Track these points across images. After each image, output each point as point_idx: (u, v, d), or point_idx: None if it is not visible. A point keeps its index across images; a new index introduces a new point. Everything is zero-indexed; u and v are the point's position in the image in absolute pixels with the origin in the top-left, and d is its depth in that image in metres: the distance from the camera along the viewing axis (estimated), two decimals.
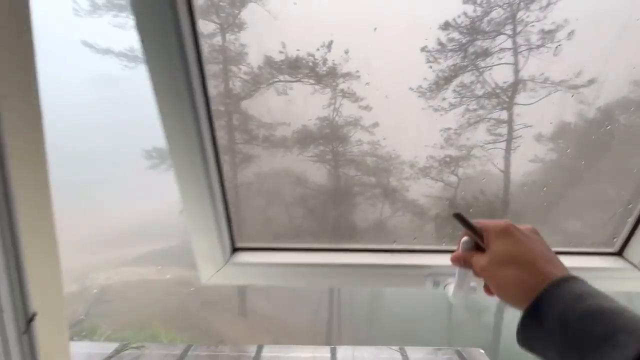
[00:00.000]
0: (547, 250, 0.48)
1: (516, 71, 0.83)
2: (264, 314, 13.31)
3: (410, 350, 1.27)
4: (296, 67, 0.91)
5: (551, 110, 0.88)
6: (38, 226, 0.52)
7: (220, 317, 11.69)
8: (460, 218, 0.53)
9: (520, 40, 0.77)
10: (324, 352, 1.26)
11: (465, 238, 0.55)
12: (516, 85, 0.86)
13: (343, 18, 0.80)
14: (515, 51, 0.79)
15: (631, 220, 0.79)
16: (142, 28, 0.57)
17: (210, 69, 0.90)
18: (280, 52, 0.87)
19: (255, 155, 1.10)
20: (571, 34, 0.72)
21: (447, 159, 1.04)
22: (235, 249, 0.85)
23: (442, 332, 13.29)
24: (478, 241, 0.52)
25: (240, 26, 0.87)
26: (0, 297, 0.44)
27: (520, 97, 0.87)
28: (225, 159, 1.05)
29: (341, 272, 0.82)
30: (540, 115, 0.91)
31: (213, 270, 0.83)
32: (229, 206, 0.78)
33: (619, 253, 0.85)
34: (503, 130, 0.98)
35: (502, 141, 0.99)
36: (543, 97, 0.86)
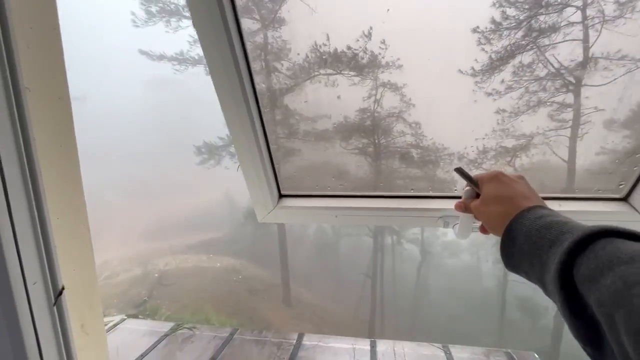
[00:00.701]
0: (526, 189, 0.56)
1: (586, 48, 0.73)
2: (308, 304, 13.66)
3: (456, 349, 1.22)
4: (338, 60, 0.90)
5: (632, 91, 0.76)
6: (67, 207, 0.57)
7: (266, 305, 12.23)
8: (460, 172, 0.64)
9: (591, 11, 0.67)
10: (364, 344, 1.26)
11: (466, 188, 0.65)
12: (585, 64, 0.76)
13: (382, 5, 0.76)
14: (586, 25, 0.69)
15: (637, 169, 0.86)
16: (198, 25, 0.73)
17: (254, 66, 0.93)
18: (322, 44, 0.86)
19: (296, 149, 1.11)
20: None
21: (501, 149, 0.96)
22: (281, 196, 1.08)
23: (492, 334, 12.56)
24: (476, 189, 0.63)
25: (280, 22, 0.88)
26: (29, 270, 0.47)
27: (590, 78, 0.77)
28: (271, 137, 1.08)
29: (370, 213, 1.02)
30: (615, 97, 0.80)
31: (265, 212, 1.06)
32: (274, 163, 1.02)
33: (625, 199, 0.94)
34: (567, 115, 0.87)
35: (567, 127, 0.89)
36: (619, 77, 0.75)
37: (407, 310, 15.11)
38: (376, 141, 1.14)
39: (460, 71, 0.80)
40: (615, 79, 0.76)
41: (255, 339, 1.62)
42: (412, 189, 1.04)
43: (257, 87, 0.91)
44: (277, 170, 1.05)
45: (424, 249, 15.83)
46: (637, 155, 0.86)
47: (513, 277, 12.65)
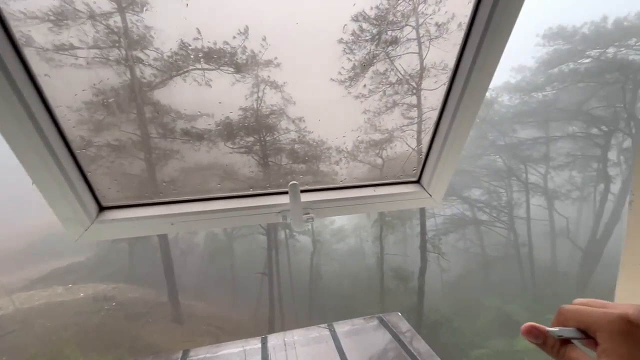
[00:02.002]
0: None
1: (421, 59, 0.92)
2: (202, 317, 12.67)
3: (339, 326, 1.34)
4: (213, 55, 0.86)
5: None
6: None
7: (151, 329, 10.74)
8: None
9: (422, 31, 0.86)
10: (255, 343, 1.25)
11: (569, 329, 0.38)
12: (421, 72, 0.96)
13: (257, 8, 0.78)
14: (419, 41, 0.88)
15: (422, 156, 1.14)
16: None
17: (111, 53, 0.80)
18: (194, 38, 0.81)
19: (174, 150, 1.02)
20: (460, 25, 0.83)
21: (372, 142, 1.12)
22: (102, 209, 0.96)
23: (376, 303, 14.47)
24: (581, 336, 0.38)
25: (142, 5, 0.78)
26: None
27: (426, 83, 0.98)
28: (140, 155, 0.95)
29: (210, 216, 1.00)
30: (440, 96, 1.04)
31: (80, 229, 0.92)
32: (84, 172, 0.88)
33: (417, 181, 1.19)
34: (414, 113, 1.08)
35: (414, 123, 1.10)
36: (444, 83, 0.98)
37: (304, 300, 15.83)
38: (262, 139, 1.15)
39: (331, 77, 0.89)
40: (442, 85, 1.00)
41: None
42: (251, 188, 1.07)
43: (45, 80, 0.74)
44: (89, 179, 0.90)
45: (315, 239, 16.86)
46: (420, 146, 1.15)
47: (387, 250, 14.82)
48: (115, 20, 0.79)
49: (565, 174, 17.70)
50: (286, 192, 1.06)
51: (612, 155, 16.58)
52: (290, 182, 0.97)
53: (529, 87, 18.57)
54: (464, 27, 0.83)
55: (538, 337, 0.41)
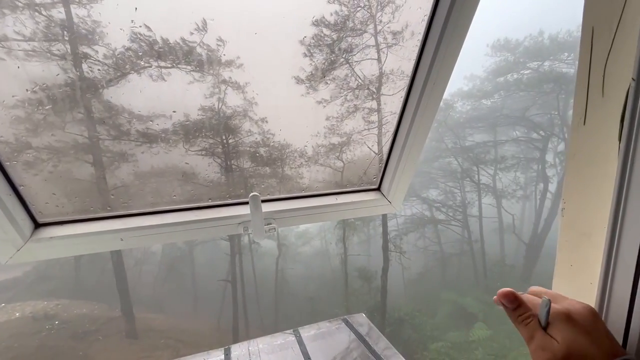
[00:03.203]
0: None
1: (380, 66, 0.96)
2: (160, 330, 11.93)
3: (304, 330, 1.34)
4: (169, 52, 0.83)
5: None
6: None
7: (101, 346, 9.90)
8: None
9: (380, 38, 0.89)
10: (217, 355, 1.22)
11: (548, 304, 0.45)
12: (380, 78, 1.00)
13: (215, 3, 0.76)
14: (378, 48, 0.91)
15: (382, 165, 1.18)
16: None
17: (54, 47, 0.73)
18: (145, 33, 0.77)
19: (129, 153, 0.95)
20: (413, 34, 0.88)
21: (331, 145, 1.13)
22: (38, 225, 0.86)
23: (341, 304, 14.64)
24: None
25: None
26: None
27: (385, 88, 1.02)
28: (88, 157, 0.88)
29: (165, 230, 0.94)
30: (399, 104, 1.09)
31: (12, 249, 0.81)
32: (15, 185, 0.79)
33: (378, 188, 1.23)
34: (374, 117, 1.12)
35: (375, 127, 1.14)
36: (402, 89, 1.02)
37: (269, 305, 15.56)
38: (224, 141, 1.11)
39: (293, 77, 0.89)
40: (399, 90, 1.04)
41: None
42: (209, 199, 1.03)
43: None
44: (22, 193, 0.80)
45: (280, 242, 16.68)
46: (380, 155, 1.20)
47: (350, 251, 15.08)
48: (59, 11, 0.73)
49: (510, 175, 19.31)
50: (246, 203, 1.03)
51: (549, 157, 18.48)
52: (251, 194, 0.95)
53: (480, 94, 20.06)
54: (419, 36, 0.88)
55: (513, 302, 0.48)
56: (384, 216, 12.91)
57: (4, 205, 0.75)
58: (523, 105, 18.20)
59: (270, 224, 1.04)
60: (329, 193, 1.18)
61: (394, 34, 0.87)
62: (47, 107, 0.78)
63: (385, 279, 12.19)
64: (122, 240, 0.91)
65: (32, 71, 0.73)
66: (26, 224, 0.82)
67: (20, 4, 0.69)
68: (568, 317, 0.44)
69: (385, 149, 1.17)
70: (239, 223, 1.02)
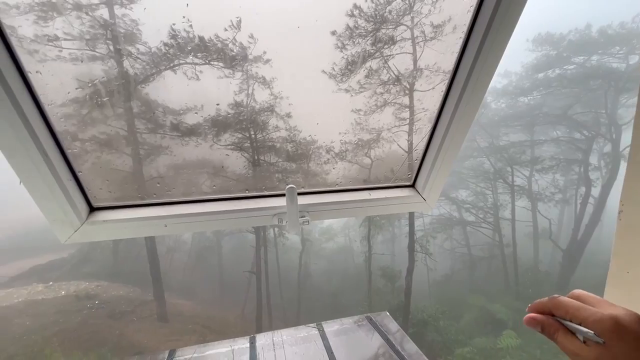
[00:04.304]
0: None
1: (415, 60, 0.92)
2: (189, 315, 12.50)
3: (327, 325, 1.33)
4: (204, 49, 0.84)
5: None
6: None
7: (135, 327, 10.54)
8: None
9: (417, 31, 0.85)
10: (243, 342, 1.24)
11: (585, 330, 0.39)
12: (415, 73, 0.96)
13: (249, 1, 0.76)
14: (414, 42, 0.87)
15: (417, 160, 1.16)
16: None
17: (98, 47, 0.77)
18: (184, 30, 0.78)
19: (164, 146, 0.99)
20: (455, 28, 0.84)
21: (360, 142, 1.11)
22: (93, 209, 0.93)
23: (364, 302, 14.56)
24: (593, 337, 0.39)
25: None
26: None
27: (419, 84, 0.98)
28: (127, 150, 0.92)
29: (204, 218, 0.98)
30: (435, 100, 1.04)
31: (70, 230, 0.88)
32: (75, 172, 0.85)
33: (412, 185, 1.21)
34: (406, 114, 1.08)
35: (406, 124, 1.10)
36: (437, 84, 0.98)
37: (292, 299, 15.79)
38: (252, 136, 1.13)
39: (323, 71, 0.88)
40: (434, 87, 1.00)
41: None
42: (246, 190, 1.06)
43: (35, 75, 0.70)
44: (80, 179, 0.87)
45: (304, 237, 16.84)
46: (416, 150, 1.15)
47: (374, 250, 14.93)
48: (102, 13, 0.76)
49: (548, 177, 18.17)
50: (281, 195, 1.05)
51: (593, 159, 17.12)
52: (288, 186, 0.96)
53: (516, 91, 18.98)
54: (463, 28, 0.83)
55: (536, 325, 0.44)
56: (411, 215, 12.63)
57: (65, 189, 0.82)
58: (565, 103, 16.98)
59: (304, 216, 1.05)
60: (363, 188, 1.16)
61: (434, 26, 0.83)
62: (98, 100, 0.82)
63: (410, 279, 11.96)
64: (166, 226, 0.96)
65: (79, 70, 0.77)
66: (83, 207, 0.90)
67: (69, 6, 0.73)
68: (616, 323, 0.38)
69: (420, 147, 1.13)
70: (274, 214, 1.04)
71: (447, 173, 1.13)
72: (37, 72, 0.70)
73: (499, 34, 0.78)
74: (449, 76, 0.94)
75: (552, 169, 17.52)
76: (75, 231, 0.89)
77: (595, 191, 16.07)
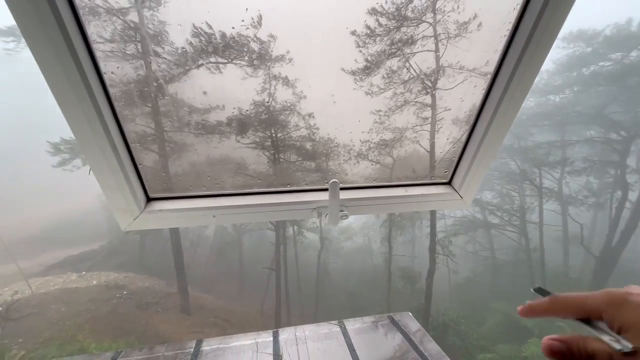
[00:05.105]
0: None
1: (437, 58, 0.91)
2: (210, 308, 12.87)
3: (349, 323, 1.34)
4: (226, 48, 0.87)
5: (466, 94, 0.99)
6: None
7: (161, 318, 10.97)
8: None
9: (440, 28, 0.84)
10: (267, 336, 1.27)
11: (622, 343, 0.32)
12: (437, 71, 0.94)
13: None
14: (436, 39, 0.86)
15: (455, 158, 1.13)
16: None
17: (127, 48, 0.81)
18: (206, 29, 0.81)
19: (188, 143, 1.03)
20: (480, 25, 0.82)
21: (381, 141, 1.11)
22: (149, 199, 0.99)
23: (383, 302, 14.41)
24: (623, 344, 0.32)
25: (157, 1, 0.79)
26: None
27: (441, 83, 0.97)
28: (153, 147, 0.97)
29: (248, 210, 1.02)
30: (457, 99, 1.02)
31: (130, 218, 0.95)
32: (137, 164, 0.91)
33: (449, 182, 1.18)
34: (428, 113, 1.07)
35: (428, 123, 1.09)
36: (459, 83, 0.96)
37: (310, 296, 15.89)
38: (273, 135, 1.15)
39: (343, 69, 0.89)
40: (457, 85, 0.98)
41: (144, 357, 1.43)
42: (288, 184, 1.09)
43: (110, 75, 0.79)
44: (141, 171, 0.94)
45: (323, 236, 16.88)
46: (454, 148, 1.13)
47: (395, 250, 14.73)
48: (133, 15, 0.80)
49: (581, 180, 17.22)
50: (320, 190, 1.08)
51: (631, 161, 16.02)
52: (331, 180, 0.98)
53: (547, 89, 18.10)
54: (507, 31, 0.81)
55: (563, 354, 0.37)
56: (433, 216, 12.36)
57: (129, 180, 0.88)
58: (600, 102, 16.00)
59: (343, 211, 1.07)
60: (399, 185, 1.16)
61: (459, 23, 0.82)
62: (121, 102, 0.87)
63: (430, 281, 11.72)
64: (214, 216, 1.01)
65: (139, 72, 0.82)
66: (142, 197, 0.96)
67: (102, 10, 0.77)
68: (629, 295, 0.34)
69: (438, 144, 1.12)
70: (314, 208, 1.06)
71: (484, 171, 1.11)
72: (111, 72, 0.77)
73: (546, 32, 0.76)
74: (474, 74, 0.92)
75: (585, 170, 16.58)
76: (135, 219, 0.95)
77: (633, 195, 15.03)
